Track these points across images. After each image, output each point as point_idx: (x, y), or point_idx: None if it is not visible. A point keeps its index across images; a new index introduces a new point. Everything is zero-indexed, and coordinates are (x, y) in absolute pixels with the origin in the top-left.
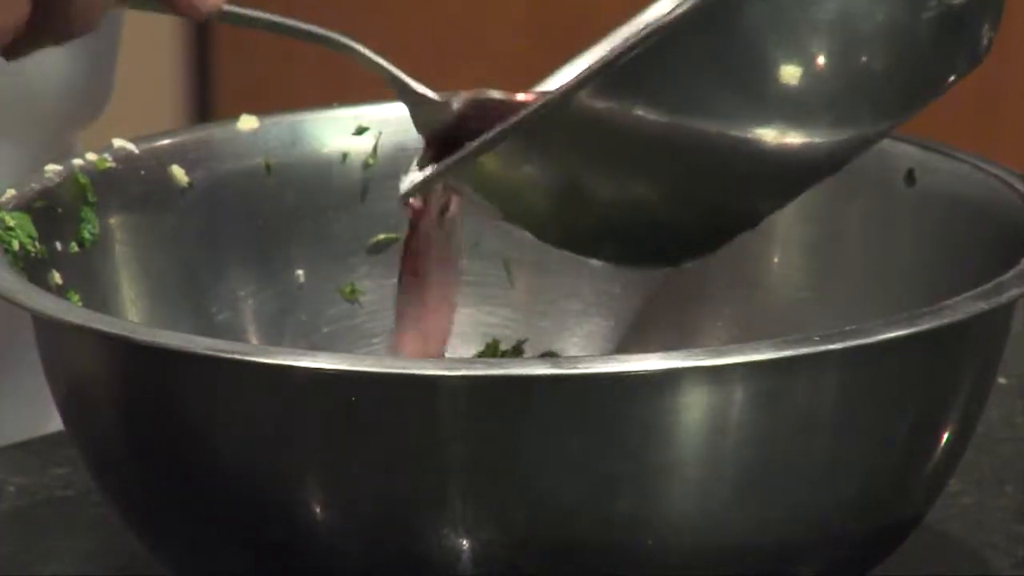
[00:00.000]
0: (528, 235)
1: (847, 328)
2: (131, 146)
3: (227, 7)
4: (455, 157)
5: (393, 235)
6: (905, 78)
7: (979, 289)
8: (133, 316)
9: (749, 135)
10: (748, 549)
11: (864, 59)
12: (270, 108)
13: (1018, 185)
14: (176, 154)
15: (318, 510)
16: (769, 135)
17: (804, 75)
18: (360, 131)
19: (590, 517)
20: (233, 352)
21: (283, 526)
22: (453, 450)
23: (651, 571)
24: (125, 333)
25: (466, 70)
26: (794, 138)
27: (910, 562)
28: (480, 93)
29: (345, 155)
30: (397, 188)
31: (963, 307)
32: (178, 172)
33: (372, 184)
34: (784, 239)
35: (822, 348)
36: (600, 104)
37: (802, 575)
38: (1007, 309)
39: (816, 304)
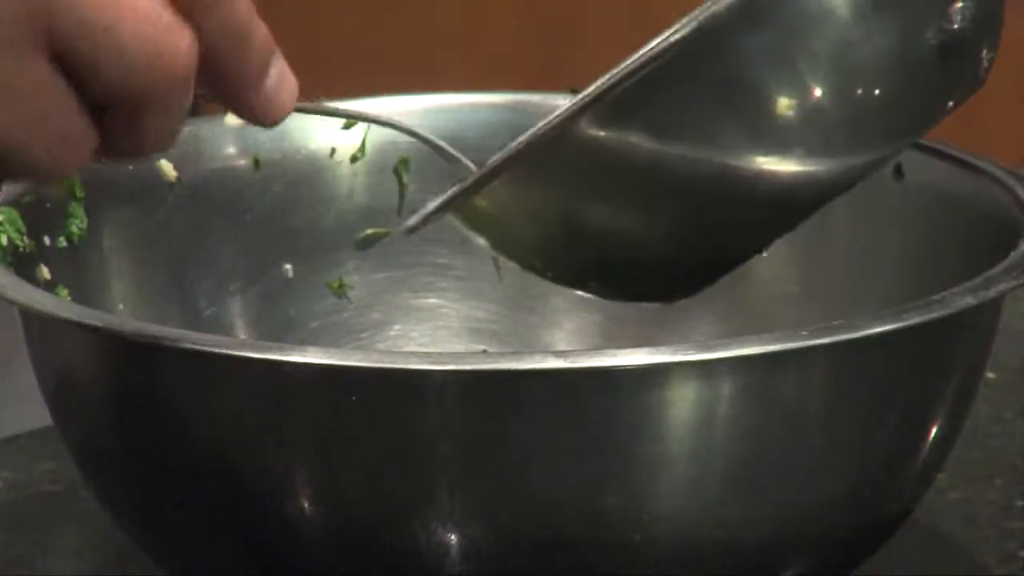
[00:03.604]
0: None
1: (835, 323)
2: None
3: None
4: (451, 192)
5: (382, 230)
6: (907, 105)
7: (967, 284)
8: (121, 311)
9: (748, 166)
10: (736, 544)
11: (864, 88)
12: None
13: (1006, 180)
14: None
15: (307, 505)
16: (768, 166)
17: (802, 105)
18: (348, 126)
19: (578, 512)
20: (221, 347)
21: (272, 521)
22: (441, 445)
23: (639, 566)
24: (113, 328)
25: (459, 70)
26: (794, 168)
27: (899, 557)
28: None
29: (333, 150)
30: (385, 183)
31: (951, 302)
32: (166, 167)
33: (360, 179)
34: None
35: (810, 343)
36: (594, 135)
37: (791, 570)
38: (995, 304)
39: (804, 299)
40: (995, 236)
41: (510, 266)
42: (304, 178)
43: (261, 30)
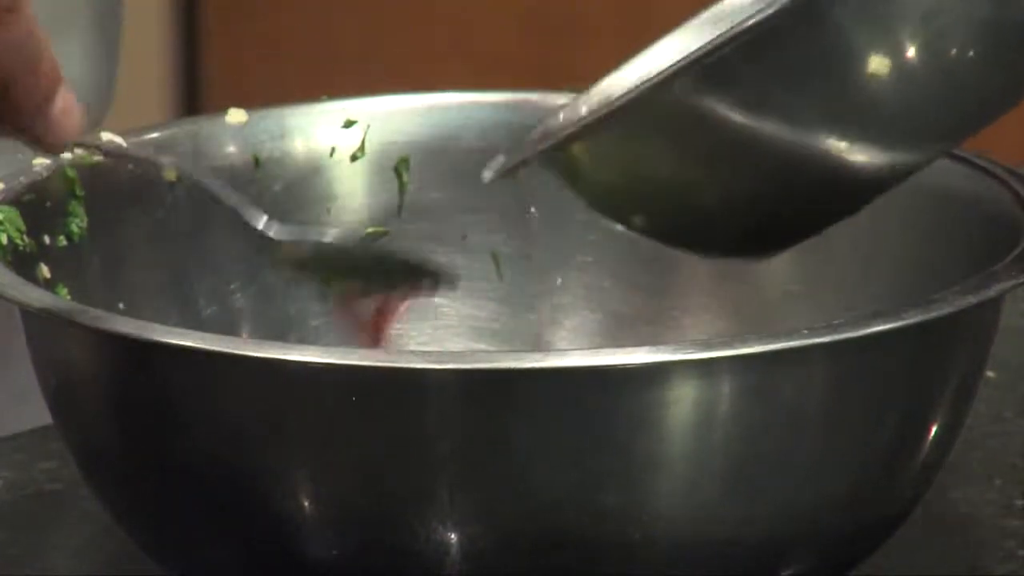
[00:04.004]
0: (517, 228)
1: (835, 321)
2: (119, 140)
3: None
4: (545, 145)
5: (382, 228)
6: (996, 77)
7: (968, 283)
8: (121, 310)
9: (839, 139)
10: (736, 543)
11: (956, 56)
12: (258, 102)
13: (1008, 179)
14: (164, 148)
15: (307, 504)
16: (858, 139)
17: (890, 76)
18: (348, 124)
19: (578, 511)
20: (221, 346)
21: (272, 521)
22: (441, 444)
23: (639, 565)
24: (113, 327)
25: (459, 69)
26: (880, 140)
27: (898, 557)
28: None
29: (333, 149)
30: (385, 182)
31: (952, 301)
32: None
33: (360, 178)
34: None
35: (810, 341)
36: (688, 97)
37: (790, 569)
38: (996, 303)
39: (805, 298)
40: (996, 235)
41: (510, 264)
42: (304, 177)
43: (50, 58)
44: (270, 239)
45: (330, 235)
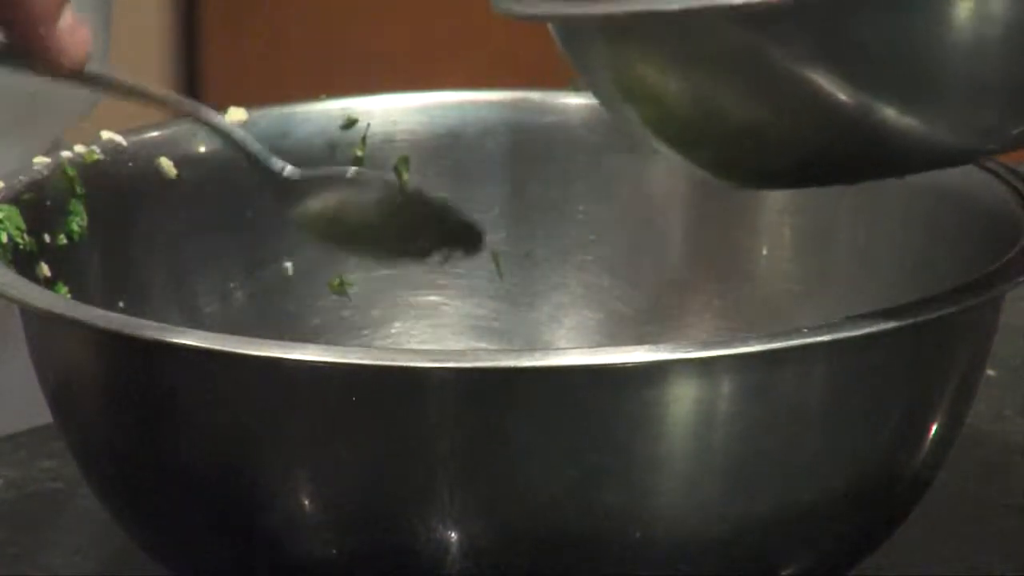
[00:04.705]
0: (515, 228)
1: (835, 320)
2: (119, 138)
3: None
4: (585, 12)
5: None
6: None
7: (968, 281)
8: (121, 309)
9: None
10: (736, 542)
11: None
12: (259, 100)
13: (1008, 177)
14: (164, 146)
15: (306, 503)
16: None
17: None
18: (348, 123)
19: (578, 509)
20: (221, 345)
21: (271, 519)
22: (441, 442)
23: (639, 564)
24: (113, 326)
25: (460, 67)
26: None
27: (898, 556)
28: None
29: (334, 147)
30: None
31: (952, 300)
32: (166, 164)
33: None
34: (772, 232)
35: (810, 340)
36: (743, 33)
37: (790, 568)
38: (996, 302)
39: (804, 297)
40: (996, 233)
41: (511, 264)
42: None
43: None
44: (295, 192)
45: (351, 172)
